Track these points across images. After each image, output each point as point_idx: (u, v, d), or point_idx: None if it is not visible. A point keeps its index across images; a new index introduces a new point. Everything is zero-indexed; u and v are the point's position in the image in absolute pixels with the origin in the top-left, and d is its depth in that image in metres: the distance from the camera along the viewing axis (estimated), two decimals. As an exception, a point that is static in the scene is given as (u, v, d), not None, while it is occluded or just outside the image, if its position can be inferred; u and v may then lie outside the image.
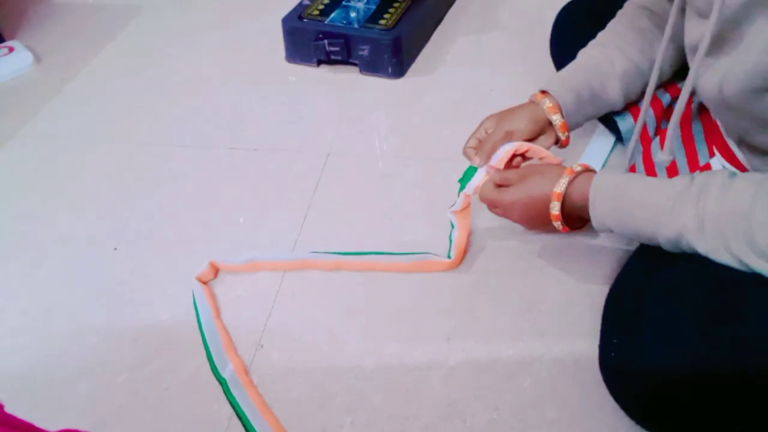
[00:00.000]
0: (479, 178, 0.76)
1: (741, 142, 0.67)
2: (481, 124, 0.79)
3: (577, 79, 0.78)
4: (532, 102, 0.79)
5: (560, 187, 0.68)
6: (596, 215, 0.65)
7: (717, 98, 0.61)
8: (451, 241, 0.80)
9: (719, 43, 0.59)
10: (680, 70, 0.78)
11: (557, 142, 0.80)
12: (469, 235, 0.81)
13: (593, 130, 0.98)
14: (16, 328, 0.81)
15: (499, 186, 0.74)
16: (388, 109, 1.12)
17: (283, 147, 1.05)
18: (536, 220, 0.73)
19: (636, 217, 0.61)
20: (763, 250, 0.53)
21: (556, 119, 0.77)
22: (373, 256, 0.83)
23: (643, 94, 0.80)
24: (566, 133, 0.79)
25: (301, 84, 1.20)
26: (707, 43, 0.58)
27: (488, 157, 0.75)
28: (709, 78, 0.61)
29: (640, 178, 0.63)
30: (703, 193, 0.56)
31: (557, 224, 0.70)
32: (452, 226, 0.79)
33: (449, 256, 0.80)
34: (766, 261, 0.53)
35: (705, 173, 0.58)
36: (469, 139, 0.79)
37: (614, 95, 0.78)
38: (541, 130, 0.78)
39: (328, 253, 0.83)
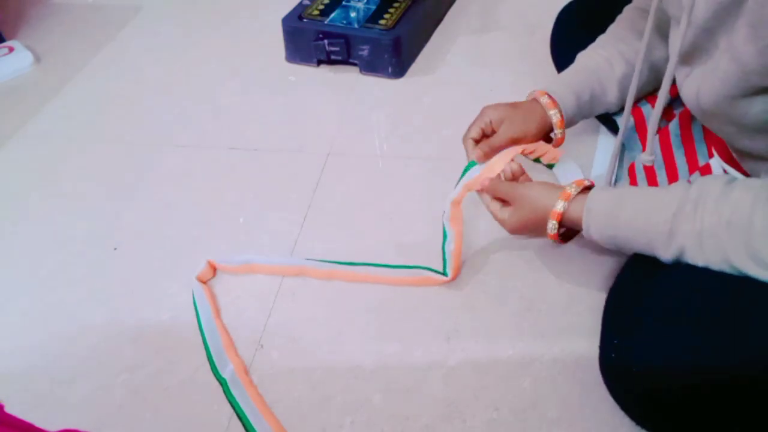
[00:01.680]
0: (471, 177, 0.75)
1: (730, 146, 0.67)
2: (483, 113, 0.77)
3: (577, 81, 0.78)
4: (534, 100, 0.78)
5: (553, 229, 0.68)
6: (592, 239, 0.65)
7: (696, 106, 0.62)
8: (444, 253, 0.79)
9: (694, 52, 0.60)
10: None
11: (550, 140, 0.80)
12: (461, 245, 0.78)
13: (597, 129, 0.98)
14: (16, 328, 0.81)
15: (497, 199, 0.74)
16: (388, 109, 1.12)
17: (283, 147, 1.05)
18: (530, 234, 0.74)
19: (633, 242, 0.62)
20: (764, 260, 0.52)
21: (554, 114, 0.77)
22: (369, 267, 0.82)
23: (642, 96, 0.81)
24: (562, 130, 0.78)
25: (301, 84, 1.20)
26: (677, 51, 0.59)
27: (488, 158, 0.75)
28: (688, 86, 0.62)
29: (632, 198, 0.61)
30: (699, 208, 0.55)
31: (553, 224, 0.68)
32: (444, 236, 0.78)
33: (445, 272, 0.79)
34: (765, 269, 0.53)
35: (700, 183, 0.57)
36: (470, 128, 0.77)
37: (612, 98, 0.78)
38: (547, 132, 0.78)
39: (324, 261, 0.83)
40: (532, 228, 0.70)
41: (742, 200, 0.54)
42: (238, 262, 0.84)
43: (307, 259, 0.83)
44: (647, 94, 0.82)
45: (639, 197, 0.61)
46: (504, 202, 0.73)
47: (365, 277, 0.81)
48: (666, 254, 0.58)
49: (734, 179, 0.57)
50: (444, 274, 0.79)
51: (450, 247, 0.77)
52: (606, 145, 0.96)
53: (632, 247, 0.63)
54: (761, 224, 0.52)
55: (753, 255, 0.53)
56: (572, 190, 0.66)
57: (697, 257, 0.56)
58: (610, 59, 0.77)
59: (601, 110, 0.81)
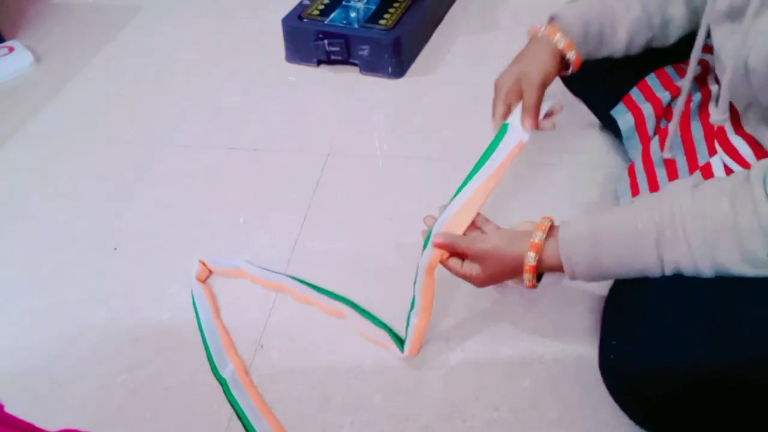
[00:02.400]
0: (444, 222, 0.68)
1: (761, 123, 0.63)
2: (498, 87, 0.75)
3: (590, 12, 0.74)
4: (534, 37, 0.75)
5: (530, 281, 0.63)
6: (580, 279, 0.62)
7: (739, 65, 0.58)
8: (408, 322, 0.71)
9: (743, 5, 0.57)
10: (682, 47, 0.76)
11: (567, 68, 0.76)
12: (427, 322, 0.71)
13: (594, 124, 0.99)
14: (16, 328, 0.81)
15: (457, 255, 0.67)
16: (388, 109, 1.12)
17: (283, 147, 1.05)
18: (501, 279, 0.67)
19: (625, 275, 0.60)
20: (760, 258, 0.52)
21: (559, 39, 0.73)
22: (343, 304, 0.78)
23: (645, 47, 0.77)
24: (574, 52, 0.74)
25: (301, 84, 1.20)
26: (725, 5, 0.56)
27: (536, 119, 0.71)
28: (733, 43, 0.58)
29: (607, 234, 0.58)
30: (679, 229, 0.54)
31: (528, 277, 0.63)
32: (412, 304, 0.70)
33: (402, 347, 0.71)
34: (763, 268, 0.52)
35: (667, 201, 0.56)
36: (494, 108, 0.75)
37: (620, 40, 0.75)
38: (560, 57, 0.74)
39: (305, 283, 0.81)
40: (503, 279, 0.66)
41: (720, 207, 0.53)
42: (227, 265, 0.84)
43: (291, 277, 0.82)
44: (648, 44, 0.78)
45: (613, 232, 0.58)
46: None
47: (335, 312, 0.78)
48: (661, 275, 0.58)
49: (698, 184, 0.56)
50: (401, 347, 0.72)
51: (415, 320, 0.70)
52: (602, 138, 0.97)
53: (626, 277, 0.60)
54: (746, 223, 0.52)
55: (748, 258, 0.52)
56: (539, 239, 0.61)
57: (692, 272, 0.56)
58: (627, 0, 0.74)
59: (605, 52, 0.77)
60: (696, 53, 0.62)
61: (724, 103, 0.62)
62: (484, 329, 0.75)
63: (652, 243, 0.56)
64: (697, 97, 0.76)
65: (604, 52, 0.77)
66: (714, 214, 0.53)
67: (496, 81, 0.75)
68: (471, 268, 0.66)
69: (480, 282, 0.66)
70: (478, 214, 0.69)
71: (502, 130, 0.73)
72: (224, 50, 1.31)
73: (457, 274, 0.67)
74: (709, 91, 0.73)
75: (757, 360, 0.51)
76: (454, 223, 0.67)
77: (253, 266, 0.83)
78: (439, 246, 0.66)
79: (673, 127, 0.63)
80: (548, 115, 0.74)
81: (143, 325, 0.79)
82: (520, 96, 0.74)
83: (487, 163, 0.71)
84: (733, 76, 0.60)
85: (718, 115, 0.63)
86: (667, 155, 0.66)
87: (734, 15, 0.58)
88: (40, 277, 0.87)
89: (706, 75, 0.78)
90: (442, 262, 0.67)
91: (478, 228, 0.68)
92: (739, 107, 0.65)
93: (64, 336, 0.79)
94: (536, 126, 0.72)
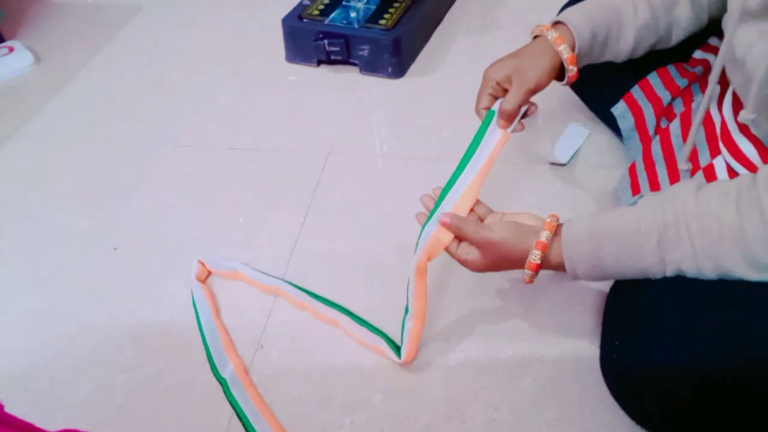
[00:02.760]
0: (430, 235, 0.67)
1: None
2: (487, 77, 0.71)
3: (598, 15, 0.71)
4: (539, 38, 0.72)
5: (530, 277, 0.64)
6: (581, 279, 0.63)
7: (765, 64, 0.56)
8: (403, 328, 0.70)
9: None
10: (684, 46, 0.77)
11: (561, 78, 0.74)
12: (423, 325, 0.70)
13: (571, 118, 0.99)
14: (16, 328, 0.81)
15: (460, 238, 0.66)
16: (388, 109, 1.12)
17: (283, 147, 1.05)
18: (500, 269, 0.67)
19: (626, 276, 0.60)
20: (765, 263, 0.52)
21: (564, 50, 0.70)
22: (338, 312, 0.77)
23: (647, 52, 0.76)
24: (574, 68, 0.71)
25: (301, 84, 1.20)
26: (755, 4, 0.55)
27: (511, 121, 0.70)
28: (763, 44, 0.56)
29: (609, 234, 0.59)
30: (682, 231, 0.54)
31: (529, 273, 0.63)
32: (406, 310, 0.69)
33: (399, 353, 0.71)
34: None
35: (670, 201, 0.56)
36: (479, 98, 0.72)
37: (625, 46, 0.73)
38: (560, 69, 0.72)
39: (302, 289, 0.80)
40: (500, 269, 0.66)
41: (725, 211, 0.53)
42: (225, 267, 0.84)
43: (288, 283, 0.81)
44: (650, 48, 0.77)
45: (614, 233, 0.58)
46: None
47: (330, 320, 0.77)
48: (663, 276, 0.58)
49: (701, 186, 0.56)
50: (398, 353, 0.71)
51: (409, 324, 0.69)
52: (574, 131, 0.98)
53: (627, 278, 0.61)
54: (752, 229, 0.52)
55: (753, 263, 0.52)
56: (546, 238, 0.61)
57: (694, 274, 0.56)
58: (635, 3, 0.72)
59: (607, 57, 0.75)
60: (723, 53, 0.61)
61: (753, 102, 0.59)
62: (484, 329, 0.75)
63: (654, 244, 0.56)
64: (699, 98, 0.76)
65: (605, 59, 0.76)
66: (719, 217, 0.53)
67: (487, 70, 0.72)
68: (467, 252, 0.65)
69: (475, 268, 0.66)
70: (478, 201, 0.69)
71: (489, 116, 0.71)
72: (224, 50, 1.31)
73: (452, 255, 0.67)
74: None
75: (759, 360, 0.51)
76: (456, 209, 0.68)
77: (250, 269, 0.83)
78: (446, 226, 0.65)
79: (693, 130, 0.62)
80: (523, 116, 0.72)
81: (143, 325, 0.79)
82: (506, 93, 0.71)
83: (478, 149, 0.71)
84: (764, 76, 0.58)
85: (746, 114, 0.60)
86: (684, 170, 0.67)
87: (762, 13, 0.57)
88: (40, 277, 0.87)
89: (707, 76, 0.77)
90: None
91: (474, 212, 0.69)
92: (750, 107, 0.62)
93: (64, 336, 0.79)
94: (503, 126, 0.70)
